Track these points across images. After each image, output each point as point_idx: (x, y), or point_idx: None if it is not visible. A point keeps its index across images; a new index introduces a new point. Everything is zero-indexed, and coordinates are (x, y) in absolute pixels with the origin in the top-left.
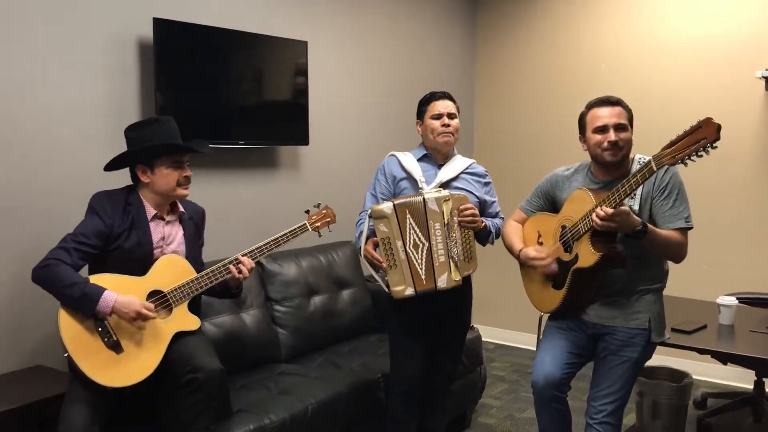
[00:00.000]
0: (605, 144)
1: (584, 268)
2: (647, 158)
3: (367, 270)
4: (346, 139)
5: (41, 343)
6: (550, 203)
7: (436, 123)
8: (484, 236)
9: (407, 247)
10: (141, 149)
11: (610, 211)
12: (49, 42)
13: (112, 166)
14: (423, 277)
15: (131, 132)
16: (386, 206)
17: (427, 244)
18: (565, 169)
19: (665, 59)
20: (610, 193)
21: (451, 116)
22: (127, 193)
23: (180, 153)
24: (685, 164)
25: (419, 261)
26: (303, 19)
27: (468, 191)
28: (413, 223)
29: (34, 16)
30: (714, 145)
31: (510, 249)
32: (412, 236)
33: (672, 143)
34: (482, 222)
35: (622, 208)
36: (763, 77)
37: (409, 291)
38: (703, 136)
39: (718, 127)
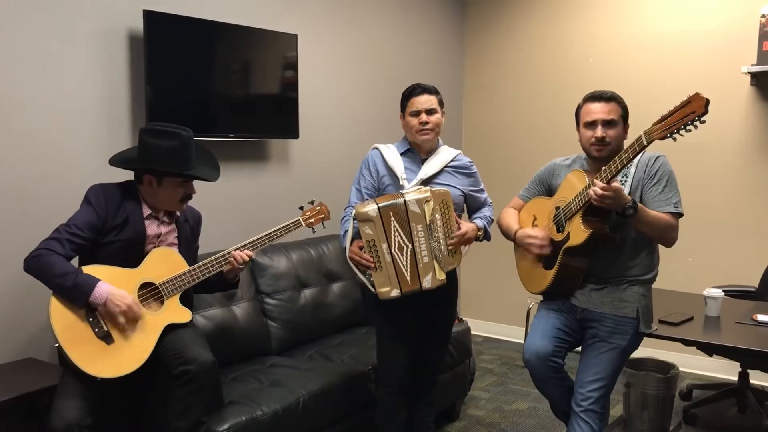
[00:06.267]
0: (592, 139)
1: (575, 246)
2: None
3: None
4: (335, 132)
5: (32, 336)
6: (547, 191)
7: (414, 121)
8: (480, 237)
9: (392, 250)
10: (156, 169)
11: (601, 185)
12: (38, 35)
13: (119, 163)
14: (408, 278)
15: (149, 137)
16: (371, 209)
17: (410, 246)
18: (563, 159)
19: (652, 54)
20: (603, 169)
21: (430, 112)
22: (125, 190)
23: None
24: (674, 138)
25: (404, 263)
26: (293, 13)
27: (451, 186)
28: (397, 226)
29: (20, 9)
30: (702, 119)
31: (507, 232)
32: (396, 239)
33: (662, 118)
34: (473, 233)
35: (615, 185)
36: (749, 72)
37: (395, 292)
38: (692, 109)
39: (707, 102)
